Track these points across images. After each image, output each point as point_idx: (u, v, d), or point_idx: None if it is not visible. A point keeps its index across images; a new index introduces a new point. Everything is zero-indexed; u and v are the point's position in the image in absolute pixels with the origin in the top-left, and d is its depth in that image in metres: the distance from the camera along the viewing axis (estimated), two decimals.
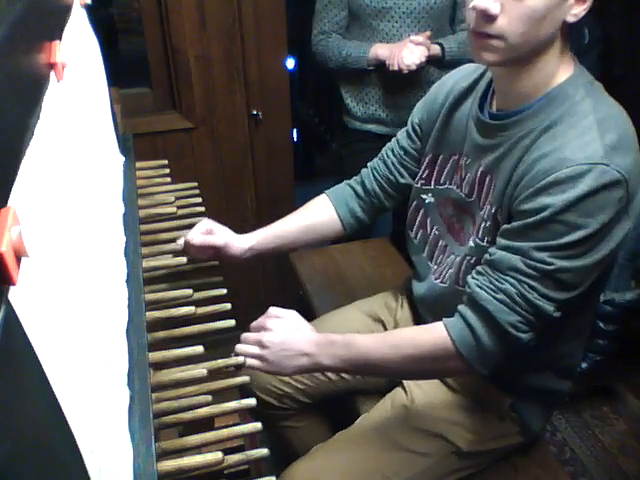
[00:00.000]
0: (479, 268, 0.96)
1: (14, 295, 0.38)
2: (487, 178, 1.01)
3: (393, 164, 1.24)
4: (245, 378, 0.96)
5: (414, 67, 1.76)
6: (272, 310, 1.08)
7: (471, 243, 1.04)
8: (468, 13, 0.90)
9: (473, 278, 0.96)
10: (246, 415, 1.42)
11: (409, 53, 1.76)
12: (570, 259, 0.87)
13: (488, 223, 1.00)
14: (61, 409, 0.45)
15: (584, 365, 2.04)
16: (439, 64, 1.87)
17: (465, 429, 1.12)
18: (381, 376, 1.16)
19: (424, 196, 1.18)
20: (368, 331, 1.33)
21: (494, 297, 0.91)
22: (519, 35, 0.88)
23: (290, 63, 2.80)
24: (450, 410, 1.13)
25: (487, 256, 0.95)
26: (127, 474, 0.69)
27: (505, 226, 0.94)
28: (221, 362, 0.95)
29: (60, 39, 0.76)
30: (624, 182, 0.85)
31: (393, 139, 1.28)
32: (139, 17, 1.96)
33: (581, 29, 2.37)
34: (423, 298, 1.20)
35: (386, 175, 1.25)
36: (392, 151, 1.26)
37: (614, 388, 2.13)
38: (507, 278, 0.90)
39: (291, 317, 1.06)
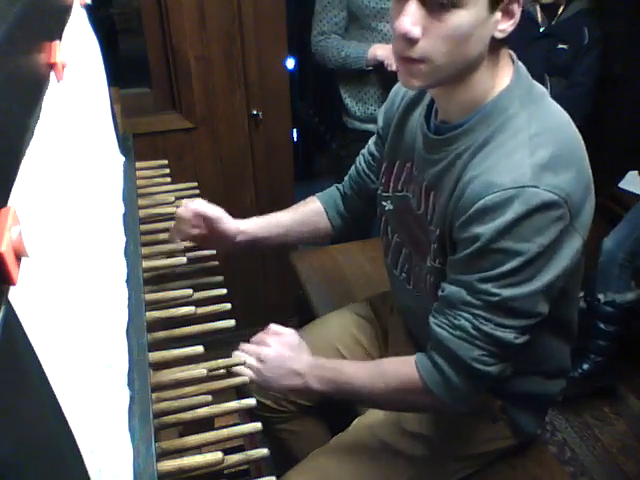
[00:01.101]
0: (436, 306, 0.94)
1: (14, 295, 0.38)
2: (431, 194, 0.98)
3: (363, 170, 1.23)
4: (245, 378, 0.96)
5: None
6: (272, 327, 1.10)
7: (428, 262, 1.01)
8: (394, 38, 0.88)
9: (432, 316, 0.94)
10: (246, 415, 1.42)
11: None
12: (515, 287, 0.84)
13: (436, 246, 0.97)
14: (61, 409, 0.45)
15: (585, 366, 2.04)
16: None
17: (458, 432, 1.12)
18: (366, 404, 1.15)
19: (384, 203, 1.15)
20: (363, 332, 1.35)
21: (452, 335, 0.89)
22: (443, 55, 0.84)
23: (290, 63, 2.80)
24: (442, 414, 1.12)
25: (440, 292, 0.93)
26: (127, 474, 0.69)
27: (450, 258, 0.92)
28: (221, 362, 0.95)
29: (60, 39, 0.76)
30: (560, 201, 0.81)
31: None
32: (139, 17, 1.96)
33: (581, 29, 2.38)
34: (401, 306, 1.21)
35: (358, 180, 1.25)
36: (363, 156, 1.24)
37: (615, 388, 2.13)
38: (461, 313, 0.88)
39: (289, 336, 1.08)
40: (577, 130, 0.90)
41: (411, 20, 0.83)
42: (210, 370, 0.91)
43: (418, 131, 1.03)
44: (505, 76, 0.90)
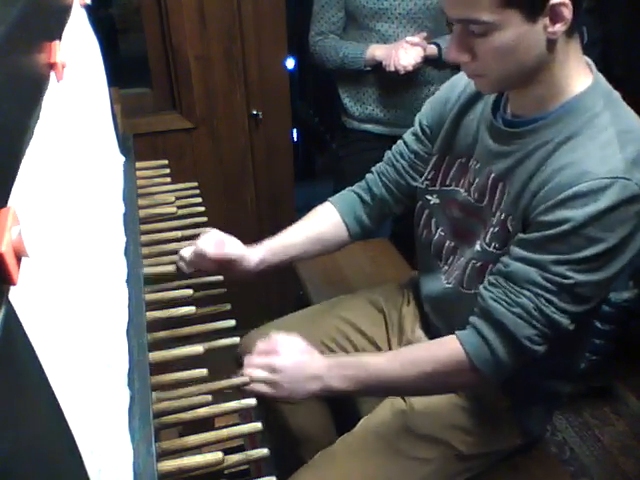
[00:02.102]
0: (492, 279, 0.94)
1: (14, 295, 0.38)
2: (499, 185, 1.00)
3: (403, 168, 1.21)
4: (245, 379, 0.96)
5: (410, 68, 1.77)
6: (276, 335, 1.04)
7: (477, 247, 1.03)
8: None
9: (486, 290, 0.94)
10: (246, 415, 1.42)
11: (405, 54, 1.76)
12: (588, 273, 0.87)
13: (497, 229, 0.99)
14: (61, 409, 0.45)
15: (582, 365, 2.04)
16: (436, 64, 1.87)
17: (465, 433, 1.12)
18: (395, 395, 1.14)
19: (429, 197, 1.16)
20: (370, 319, 1.34)
21: (511, 311, 0.90)
22: (497, 71, 0.89)
23: (290, 63, 2.80)
24: (449, 414, 1.12)
25: (501, 267, 0.93)
26: (127, 474, 0.69)
27: (521, 236, 0.92)
28: (225, 383, 0.94)
29: (60, 39, 0.76)
30: None
31: (399, 142, 1.25)
32: (139, 17, 1.96)
33: (580, 29, 2.37)
34: (428, 296, 1.20)
35: (396, 180, 1.22)
36: (401, 155, 1.22)
37: (614, 388, 2.13)
38: (524, 292, 0.89)
39: (298, 341, 1.03)
40: None
41: (457, 47, 0.90)
42: (217, 391, 0.90)
43: (482, 126, 1.05)
44: (583, 76, 0.93)
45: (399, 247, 1.93)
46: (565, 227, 0.85)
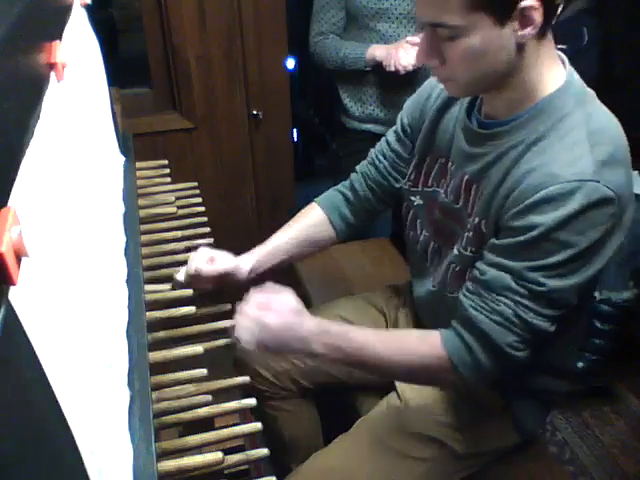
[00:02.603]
0: (471, 287, 0.94)
1: (14, 295, 0.38)
2: (473, 187, 0.99)
3: (385, 168, 1.21)
4: (245, 378, 0.96)
5: (410, 67, 1.77)
6: (270, 286, 1.03)
7: (455, 251, 1.03)
8: None
9: (466, 297, 0.94)
10: (246, 415, 1.42)
11: (405, 54, 1.76)
12: (562, 278, 0.86)
13: (471, 233, 0.98)
14: (61, 409, 0.45)
15: (581, 364, 2.04)
16: None
17: (460, 431, 1.12)
18: (374, 374, 1.15)
19: (412, 198, 1.15)
20: (371, 320, 1.34)
21: (490, 319, 0.90)
22: (467, 75, 0.88)
23: (290, 63, 2.80)
24: (444, 413, 1.12)
25: (477, 274, 0.93)
26: (127, 474, 0.69)
27: (494, 241, 0.92)
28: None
29: (60, 39, 0.76)
30: (615, 198, 0.83)
31: (382, 141, 1.24)
32: (139, 17, 1.96)
33: (580, 30, 2.37)
34: (418, 298, 1.21)
35: (378, 180, 1.22)
36: (383, 155, 1.22)
37: (614, 388, 2.13)
38: (501, 299, 0.89)
39: (290, 298, 1.02)
40: (622, 131, 0.91)
41: (425, 51, 0.89)
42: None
43: (457, 127, 1.04)
44: (556, 76, 0.91)
45: (399, 247, 1.93)
46: (535, 233, 0.85)
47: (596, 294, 1.99)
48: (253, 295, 1.01)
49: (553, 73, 0.91)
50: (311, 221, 1.25)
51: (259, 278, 1.19)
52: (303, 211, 1.28)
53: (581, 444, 1.94)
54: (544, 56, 0.89)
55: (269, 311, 0.98)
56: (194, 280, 1.11)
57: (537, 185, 0.85)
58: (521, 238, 0.86)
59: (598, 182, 0.82)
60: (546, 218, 0.83)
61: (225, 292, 1.16)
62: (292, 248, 1.22)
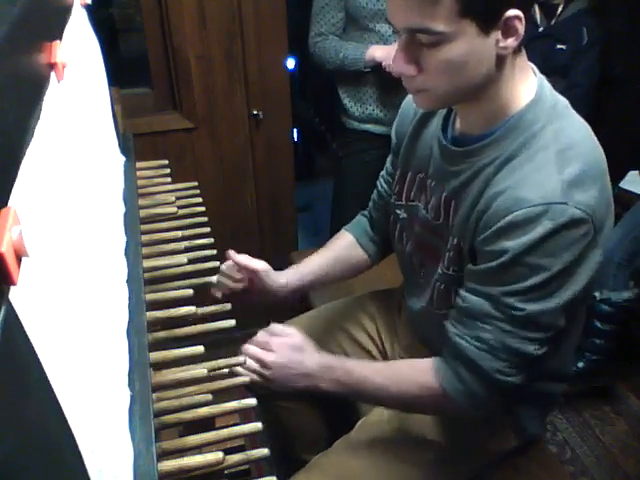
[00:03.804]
0: (455, 315, 0.94)
1: (15, 295, 0.38)
2: (452, 203, 0.98)
3: (385, 191, 1.22)
4: (245, 379, 0.96)
5: None
6: (274, 327, 1.08)
7: (439, 270, 1.02)
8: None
9: (452, 325, 0.94)
10: (246, 414, 1.42)
11: None
12: (538, 301, 0.85)
13: (452, 253, 0.98)
14: (62, 409, 0.45)
15: (581, 365, 2.04)
16: None
17: (460, 435, 1.11)
18: (376, 405, 1.15)
19: (398, 211, 1.15)
20: (363, 328, 1.36)
21: (475, 346, 0.90)
22: (442, 85, 0.85)
23: (290, 63, 2.80)
24: (444, 417, 1.12)
25: (460, 301, 0.92)
26: (127, 474, 0.69)
27: (471, 267, 0.91)
28: (222, 362, 0.94)
29: (60, 39, 0.76)
30: (587, 217, 0.81)
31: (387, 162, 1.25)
32: (139, 17, 1.96)
33: (579, 29, 2.38)
34: (410, 309, 1.21)
35: (381, 203, 1.24)
36: (383, 178, 1.24)
37: (615, 388, 2.13)
38: (484, 326, 0.89)
39: (294, 337, 1.05)
40: (598, 142, 0.90)
41: (403, 58, 0.85)
42: (211, 370, 0.91)
43: (434, 143, 1.02)
44: (527, 88, 0.89)
45: None
46: (504, 258, 0.84)
47: (596, 294, 2.00)
48: (257, 336, 1.06)
49: (525, 85, 0.89)
50: (339, 244, 1.28)
51: (290, 297, 1.24)
52: (334, 237, 1.31)
53: (581, 444, 1.94)
54: (518, 68, 0.87)
55: (270, 352, 1.03)
56: (228, 273, 1.16)
57: (505, 209, 0.84)
58: (493, 264, 0.86)
59: (566, 204, 0.80)
60: (514, 243, 0.83)
61: (258, 304, 1.20)
62: (326, 267, 1.25)
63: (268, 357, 1.02)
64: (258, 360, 1.03)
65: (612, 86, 2.32)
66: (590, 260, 0.86)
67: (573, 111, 0.92)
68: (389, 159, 1.22)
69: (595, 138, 0.90)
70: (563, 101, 0.92)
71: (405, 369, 1.02)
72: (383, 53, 1.82)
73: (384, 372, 1.01)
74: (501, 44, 0.81)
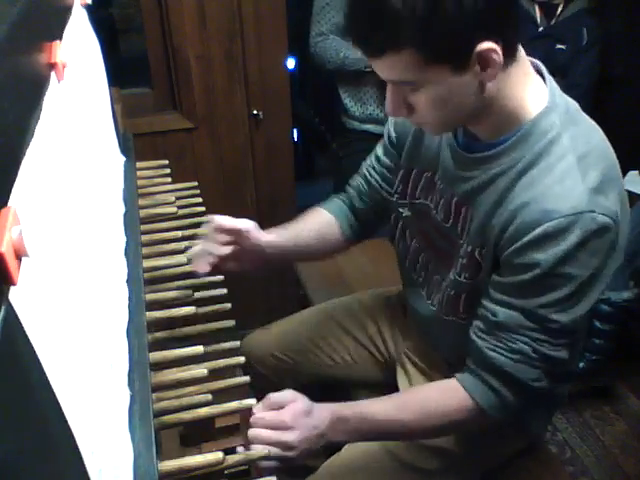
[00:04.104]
0: (483, 327, 0.93)
1: (14, 295, 0.38)
2: (462, 209, 0.98)
3: (377, 182, 1.18)
4: (245, 378, 0.95)
5: None
6: (274, 399, 0.96)
7: (450, 276, 1.01)
8: None
9: (481, 339, 0.93)
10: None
11: None
12: (570, 311, 0.87)
13: (465, 260, 0.97)
14: (62, 409, 0.45)
15: (581, 365, 2.04)
16: None
17: (467, 439, 1.11)
18: (404, 440, 1.10)
19: (400, 209, 1.13)
20: (362, 326, 1.35)
21: (511, 358, 0.90)
22: (437, 118, 0.88)
23: (290, 63, 2.80)
24: (473, 431, 1.09)
25: (489, 315, 0.92)
26: (127, 474, 0.69)
27: (499, 279, 0.91)
28: (222, 362, 0.94)
29: (61, 39, 0.76)
30: (612, 223, 0.83)
31: (372, 154, 1.22)
32: (139, 17, 1.96)
33: (579, 29, 2.38)
34: (414, 312, 1.19)
35: (373, 195, 1.20)
36: (373, 169, 1.20)
37: (615, 388, 2.13)
38: (518, 337, 0.89)
39: (297, 400, 0.95)
40: (608, 142, 0.90)
41: (392, 104, 0.89)
42: (211, 370, 0.91)
43: (444, 144, 1.01)
44: (536, 93, 0.89)
45: None
46: (538, 271, 0.84)
47: None
48: (259, 417, 0.94)
49: (534, 93, 0.89)
50: (319, 219, 1.22)
51: (279, 259, 1.17)
52: (308, 212, 1.24)
53: (581, 444, 1.94)
54: (518, 78, 0.87)
55: (286, 429, 0.92)
56: (213, 235, 1.06)
57: (533, 222, 0.84)
58: (525, 277, 0.86)
59: (594, 212, 0.82)
60: (547, 255, 0.83)
61: (243, 267, 1.12)
62: (307, 238, 1.19)
63: (290, 437, 0.91)
64: (278, 443, 0.91)
65: (612, 86, 2.32)
66: (612, 263, 0.88)
67: (583, 114, 0.91)
68: (381, 151, 1.18)
69: (606, 139, 0.90)
70: (573, 104, 0.91)
71: (433, 397, 0.98)
72: None
73: (408, 407, 0.97)
74: (481, 76, 0.81)
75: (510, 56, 0.83)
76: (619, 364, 2.09)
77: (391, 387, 1.27)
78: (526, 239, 0.84)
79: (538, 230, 0.83)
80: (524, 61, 0.88)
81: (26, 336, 0.40)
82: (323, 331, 1.35)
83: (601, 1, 2.33)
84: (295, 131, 2.85)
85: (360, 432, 0.97)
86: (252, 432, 0.92)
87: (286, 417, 0.93)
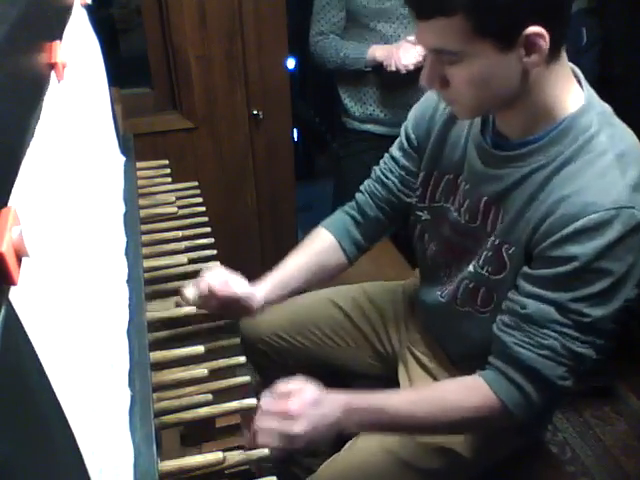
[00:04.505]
0: (509, 321, 0.91)
1: (15, 295, 0.38)
2: (492, 208, 0.97)
3: (395, 185, 1.16)
4: (246, 378, 0.95)
5: (411, 67, 1.77)
6: (282, 388, 0.93)
7: (470, 268, 1.01)
8: None
9: (506, 334, 0.91)
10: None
11: (406, 53, 1.76)
12: (603, 306, 0.86)
13: (490, 253, 0.97)
14: (62, 409, 0.45)
15: None
16: None
17: (469, 439, 1.10)
18: (418, 434, 1.08)
19: (419, 213, 1.13)
20: (363, 313, 1.35)
21: (538, 354, 0.88)
22: (469, 99, 0.87)
23: (291, 63, 2.80)
24: (489, 430, 1.09)
25: (517, 308, 0.90)
26: (128, 474, 0.69)
27: (530, 272, 0.89)
28: (222, 362, 0.94)
29: (61, 39, 0.76)
30: None
31: (387, 157, 1.19)
32: (139, 17, 1.96)
33: (579, 30, 2.37)
34: (424, 304, 1.19)
35: (388, 199, 1.17)
36: (391, 172, 1.16)
37: (615, 388, 2.13)
38: (547, 332, 0.87)
39: (306, 390, 0.92)
40: None
41: (428, 74, 0.88)
42: (211, 370, 0.91)
43: (470, 144, 1.01)
44: (575, 96, 0.89)
45: (399, 247, 1.93)
46: (575, 264, 0.84)
47: None
48: (267, 405, 0.91)
49: (571, 94, 0.89)
50: (320, 247, 1.19)
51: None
52: (312, 237, 1.21)
53: (582, 444, 1.94)
54: (557, 78, 0.87)
55: (292, 420, 0.89)
56: (204, 299, 1.02)
57: (574, 215, 0.84)
58: (561, 269, 0.85)
59: (633, 207, 0.82)
60: (585, 248, 0.83)
61: (235, 316, 1.09)
62: (304, 276, 1.16)
63: (296, 427, 0.88)
64: (285, 437, 0.89)
65: (612, 86, 2.32)
66: None
67: (617, 118, 0.92)
68: (399, 154, 1.15)
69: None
70: (608, 108, 0.92)
71: (453, 393, 0.96)
72: (384, 53, 1.82)
73: (425, 402, 0.95)
74: (525, 60, 0.81)
75: (555, 51, 0.83)
76: (619, 364, 2.09)
77: (390, 380, 1.27)
78: (565, 232, 0.84)
79: (578, 223, 0.83)
80: (566, 64, 0.89)
81: (26, 336, 0.40)
82: (325, 315, 1.34)
83: (601, 1, 2.33)
84: (295, 131, 2.85)
85: (376, 425, 0.95)
86: (259, 422, 0.90)
87: (293, 406, 0.90)
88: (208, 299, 1.02)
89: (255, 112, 2.06)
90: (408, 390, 1.00)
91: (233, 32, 1.93)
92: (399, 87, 1.90)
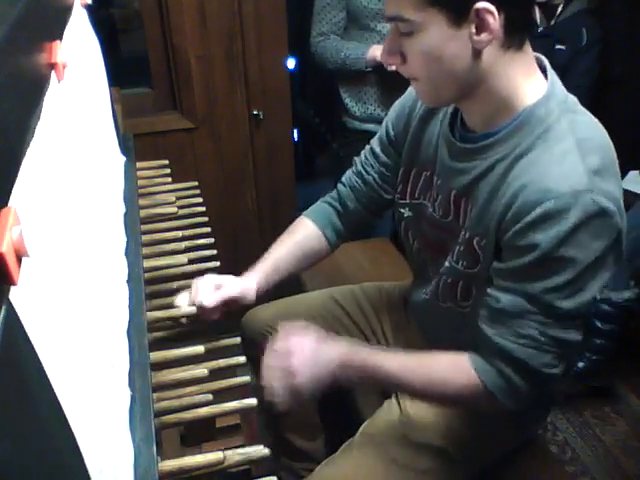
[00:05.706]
0: (488, 315, 0.92)
1: (15, 295, 0.38)
2: (462, 201, 0.98)
3: (375, 181, 1.18)
4: (246, 378, 0.96)
5: None
6: (283, 330, 1.01)
7: (447, 263, 1.02)
8: None
9: (487, 326, 0.92)
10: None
11: None
12: (574, 296, 0.85)
13: (462, 247, 0.97)
14: (62, 409, 0.45)
15: (581, 364, 2.04)
16: None
17: (462, 438, 1.10)
18: (408, 396, 1.12)
19: (402, 210, 1.14)
20: (362, 312, 1.36)
21: (520, 344, 0.88)
22: (425, 73, 0.88)
23: (291, 63, 2.79)
24: (444, 419, 1.11)
25: (493, 302, 0.91)
26: (128, 474, 0.69)
27: (500, 265, 0.90)
28: (222, 362, 0.94)
29: (61, 39, 0.76)
30: (613, 207, 0.82)
31: (367, 150, 1.21)
32: (139, 17, 1.96)
33: (579, 30, 2.37)
34: (413, 304, 1.21)
35: (368, 194, 1.20)
36: (371, 167, 1.19)
37: (615, 388, 2.13)
38: (525, 322, 0.88)
39: (307, 333, 1.00)
40: (610, 140, 0.90)
41: (388, 47, 0.90)
42: (211, 370, 0.91)
43: (441, 140, 1.02)
44: (534, 85, 0.89)
45: (399, 247, 1.93)
46: (538, 252, 0.83)
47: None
48: (270, 347, 1.00)
49: (532, 84, 0.89)
50: (304, 236, 1.23)
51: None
52: (295, 225, 1.25)
53: (582, 444, 1.94)
54: (517, 67, 0.87)
55: (292, 356, 0.96)
56: (199, 311, 1.06)
57: (533, 202, 0.83)
58: (526, 259, 0.85)
59: (592, 191, 0.81)
60: (547, 235, 0.82)
61: (233, 313, 1.14)
62: (292, 263, 1.21)
63: (296, 381, 0.96)
64: (284, 385, 0.96)
65: (612, 86, 2.32)
66: (615, 252, 0.86)
67: (582, 108, 0.91)
68: (378, 149, 1.18)
69: (607, 134, 0.90)
70: (572, 98, 0.92)
71: (440, 369, 0.97)
72: None
73: (416, 369, 0.97)
74: (475, 38, 0.82)
75: (512, 37, 0.83)
76: (619, 364, 2.09)
77: None
78: (526, 220, 0.84)
79: (538, 210, 0.82)
80: (529, 55, 0.89)
81: (26, 336, 0.40)
82: (324, 311, 1.35)
83: (601, 1, 2.33)
84: (295, 131, 2.85)
85: (369, 381, 1.01)
86: (263, 364, 0.98)
87: (291, 344, 0.98)
88: (206, 313, 1.07)
89: (255, 112, 2.06)
90: (403, 355, 1.01)
91: (233, 32, 1.93)
92: (400, 87, 1.89)
